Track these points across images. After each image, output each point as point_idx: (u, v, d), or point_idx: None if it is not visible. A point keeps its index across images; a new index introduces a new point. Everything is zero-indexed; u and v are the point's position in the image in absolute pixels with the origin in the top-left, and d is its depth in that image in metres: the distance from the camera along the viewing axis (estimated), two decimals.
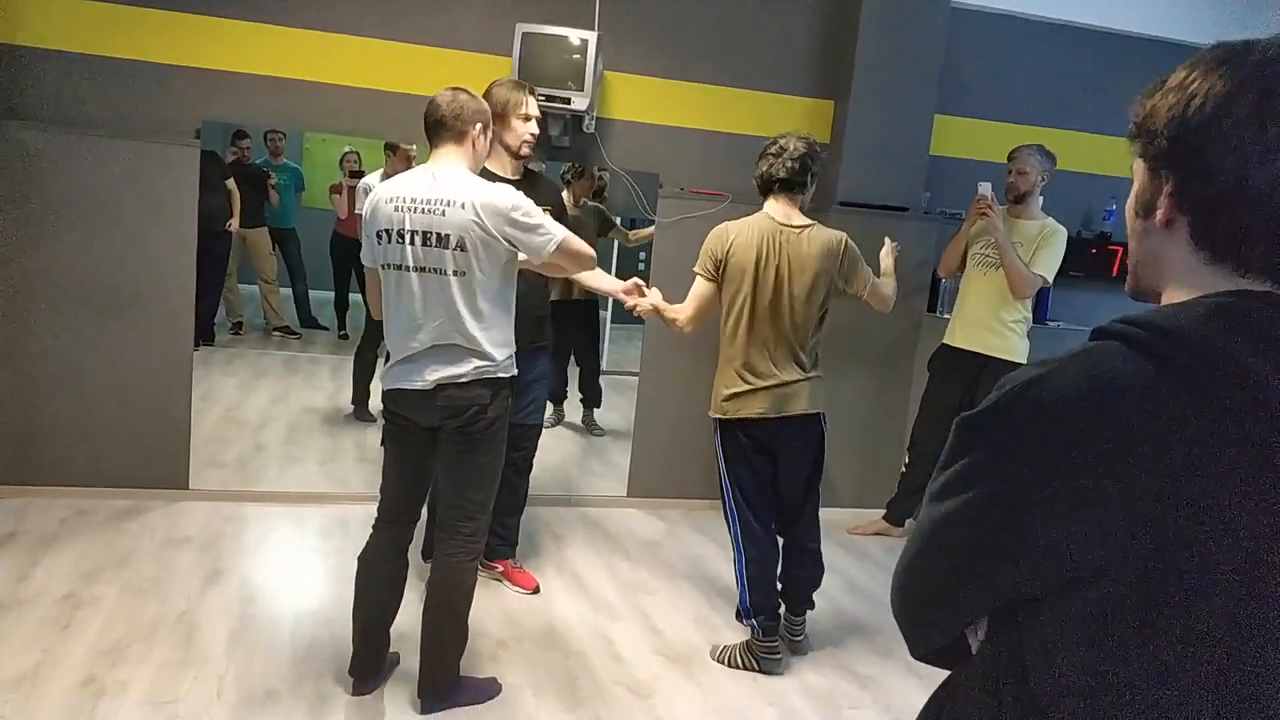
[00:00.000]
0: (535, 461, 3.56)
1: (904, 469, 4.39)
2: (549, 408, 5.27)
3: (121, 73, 3.67)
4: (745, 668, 3.03)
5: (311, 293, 7.03)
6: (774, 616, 3.03)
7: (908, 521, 4.31)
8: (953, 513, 0.86)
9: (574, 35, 3.80)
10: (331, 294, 6.75)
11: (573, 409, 5.59)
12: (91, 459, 3.82)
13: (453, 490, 2.54)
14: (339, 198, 6.21)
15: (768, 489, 3.04)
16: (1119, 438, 0.76)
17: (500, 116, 2.96)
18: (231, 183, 6.08)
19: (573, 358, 5.52)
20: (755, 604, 3.00)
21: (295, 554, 3.60)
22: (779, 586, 3.10)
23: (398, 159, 5.00)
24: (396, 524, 2.64)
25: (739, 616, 3.11)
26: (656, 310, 3.02)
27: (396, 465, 2.61)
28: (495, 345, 2.47)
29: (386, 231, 2.41)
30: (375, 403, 5.06)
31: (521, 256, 2.50)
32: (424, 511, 2.79)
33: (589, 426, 5.52)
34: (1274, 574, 0.74)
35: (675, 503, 4.46)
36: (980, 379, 3.80)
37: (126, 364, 3.81)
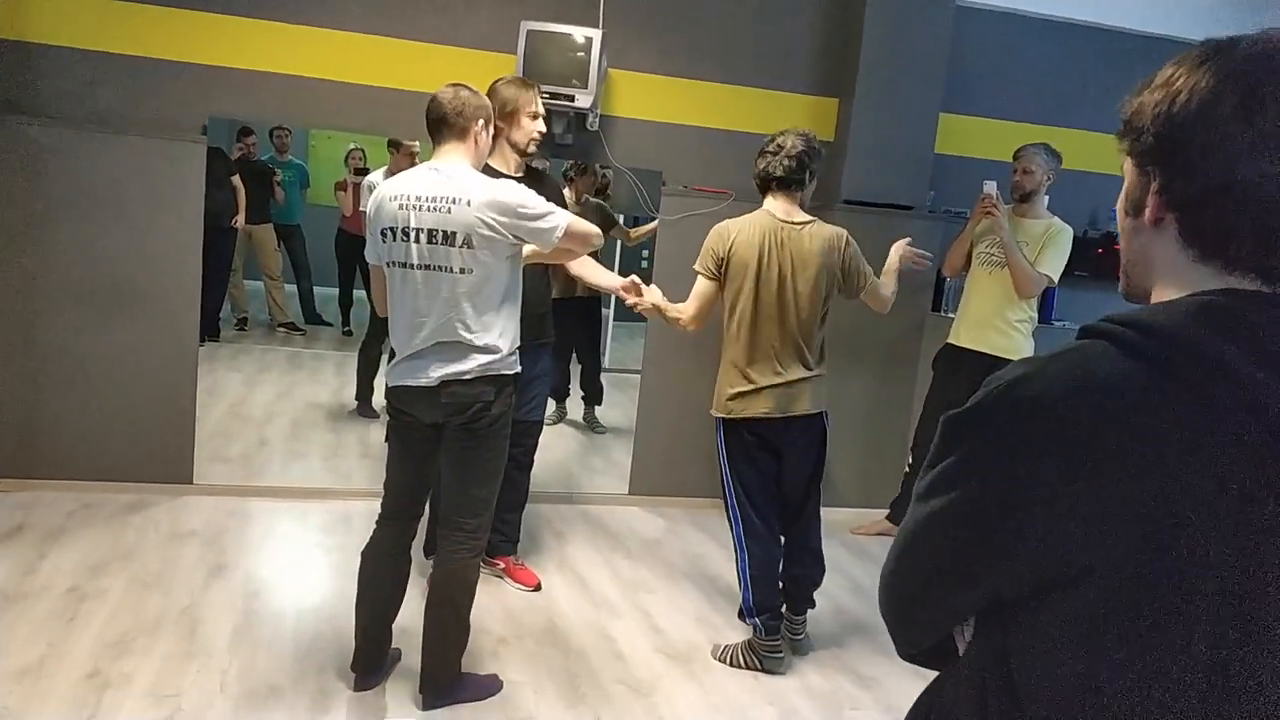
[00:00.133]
0: (537, 458, 3.57)
1: (907, 469, 4.39)
2: (551, 405, 5.29)
3: (128, 69, 3.68)
4: (747, 667, 3.03)
5: (316, 289, 7.05)
6: (777, 615, 3.03)
7: None
8: (938, 512, 0.86)
9: (578, 33, 3.80)
10: (336, 290, 6.77)
11: (574, 406, 5.60)
12: (97, 453, 3.84)
13: (456, 487, 2.55)
14: (344, 194, 6.22)
15: (771, 487, 3.04)
16: (1103, 437, 0.76)
17: (510, 115, 2.97)
18: (237, 179, 6.10)
19: (575, 355, 5.53)
20: (758, 603, 3.00)
21: (298, 549, 3.62)
22: (780, 586, 3.10)
23: (401, 156, 5.01)
24: (400, 520, 2.65)
25: (741, 615, 3.11)
26: (658, 309, 3.01)
27: (400, 461, 2.62)
28: (500, 342, 2.47)
29: (391, 229, 2.41)
30: (379, 399, 5.07)
31: (530, 247, 2.51)
32: (426, 508, 2.80)
33: (591, 424, 5.53)
34: (1262, 573, 0.74)
35: (677, 501, 4.46)
36: (985, 379, 3.79)
37: (132, 359, 3.82)
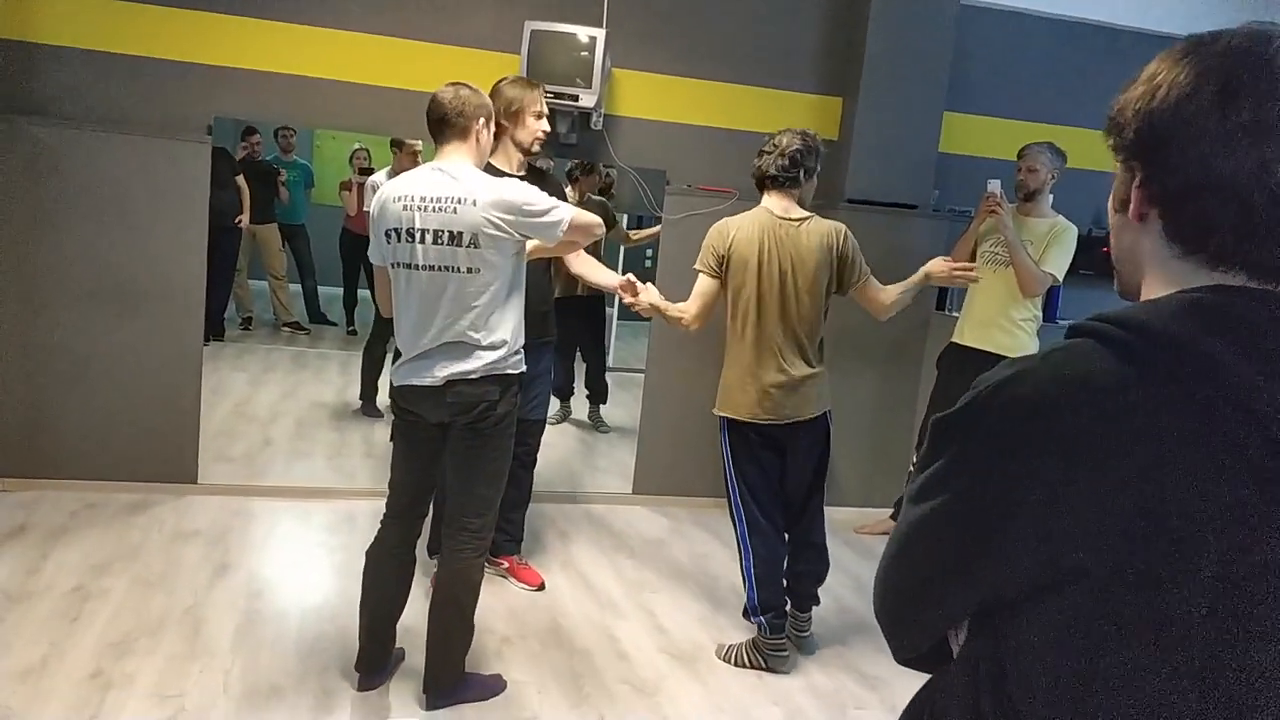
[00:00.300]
0: (541, 458, 3.56)
1: (912, 468, 4.38)
2: (555, 404, 5.29)
3: (133, 69, 3.68)
4: (752, 666, 3.03)
5: (321, 288, 7.06)
6: (781, 614, 3.02)
7: None
8: (929, 514, 0.86)
9: (582, 32, 3.80)
10: (340, 290, 6.78)
11: (578, 405, 5.60)
12: (101, 453, 3.85)
13: (461, 486, 2.55)
14: (348, 194, 6.23)
15: (775, 486, 3.04)
16: (1092, 437, 0.75)
17: (515, 114, 2.97)
18: (241, 179, 6.11)
19: (579, 354, 5.53)
20: (763, 601, 3.00)
21: (302, 549, 3.62)
22: (785, 583, 3.10)
23: (404, 155, 5.01)
24: (404, 519, 2.64)
25: (746, 614, 3.11)
26: (657, 309, 3.00)
27: (405, 461, 2.62)
28: (505, 341, 2.47)
29: (395, 230, 2.41)
30: (383, 398, 5.07)
31: (534, 242, 2.51)
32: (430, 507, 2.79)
33: (595, 423, 5.53)
34: (1254, 572, 0.73)
35: (680, 500, 4.46)
36: None
37: (136, 358, 3.83)
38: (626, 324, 6.64)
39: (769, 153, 2.93)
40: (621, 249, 5.98)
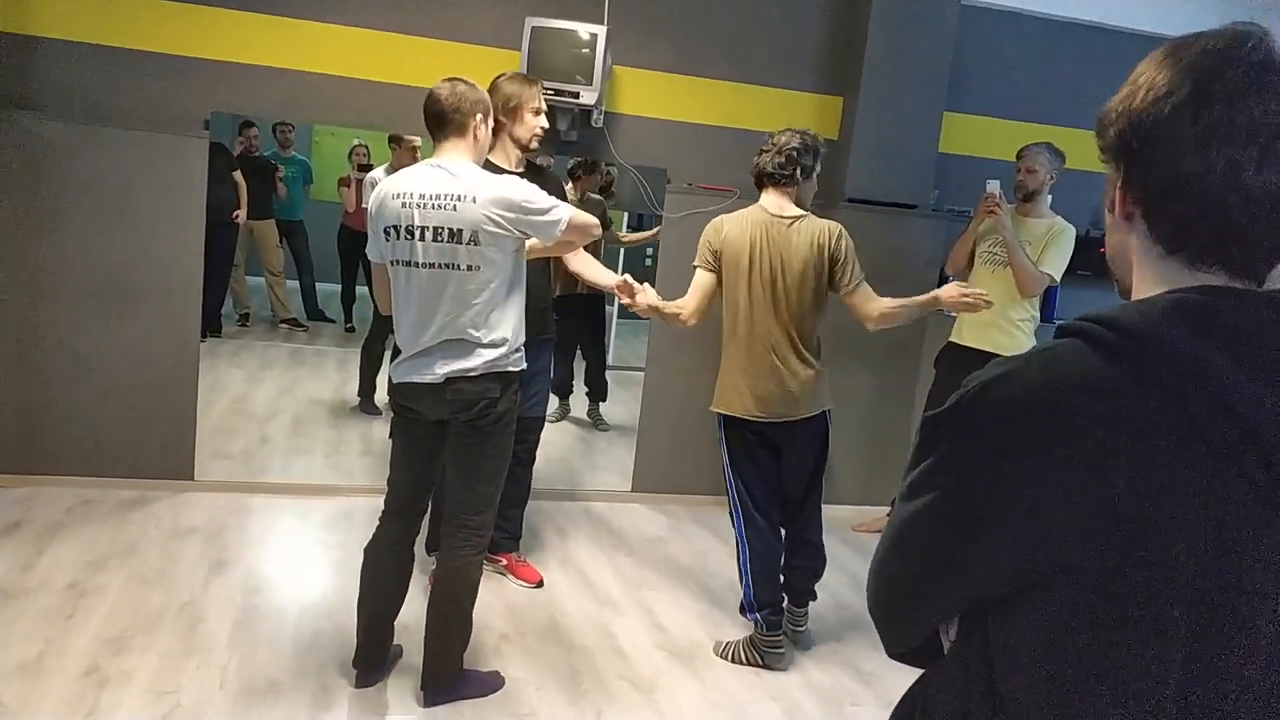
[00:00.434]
0: (540, 455, 3.56)
1: None
2: (554, 402, 5.28)
3: (131, 63, 3.67)
4: (749, 663, 3.03)
5: (319, 285, 7.04)
6: (778, 611, 3.03)
7: None
8: (918, 512, 0.87)
9: (583, 29, 3.79)
10: (339, 287, 6.76)
11: (578, 403, 5.60)
12: (98, 449, 3.83)
13: (460, 484, 2.55)
14: (347, 190, 6.21)
15: (772, 483, 3.04)
16: (1076, 436, 0.76)
17: (513, 110, 2.96)
18: (239, 174, 6.09)
19: (579, 352, 5.52)
20: (758, 597, 3.00)
21: (300, 546, 3.61)
22: (781, 579, 3.10)
23: (403, 151, 5.00)
24: (403, 516, 2.64)
25: (743, 611, 3.11)
26: (655, 309, 2.93)
27: (405, 458, 2.62)
28: (505, 338, 2.47)
29: (395, 228, 2.41)
30: (381, 396, 5.07)
31: (532, 241, 2.50)
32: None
33: (594, 421, 5.53)
34: (1237, 571, 0.74)
35: (679, 498, 4.46)
36: None
37: (134, 355, 3.82)
38: (626, 322, 6.63)
39: (767, 150, 2.95)
40: (622, 247, 5.98)
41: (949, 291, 2.89)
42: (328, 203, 6.74)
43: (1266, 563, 0.74)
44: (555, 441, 5.05)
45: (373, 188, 2.59)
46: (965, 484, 0.83)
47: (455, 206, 2.36)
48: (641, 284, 2.90)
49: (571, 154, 4.73)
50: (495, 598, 3.26)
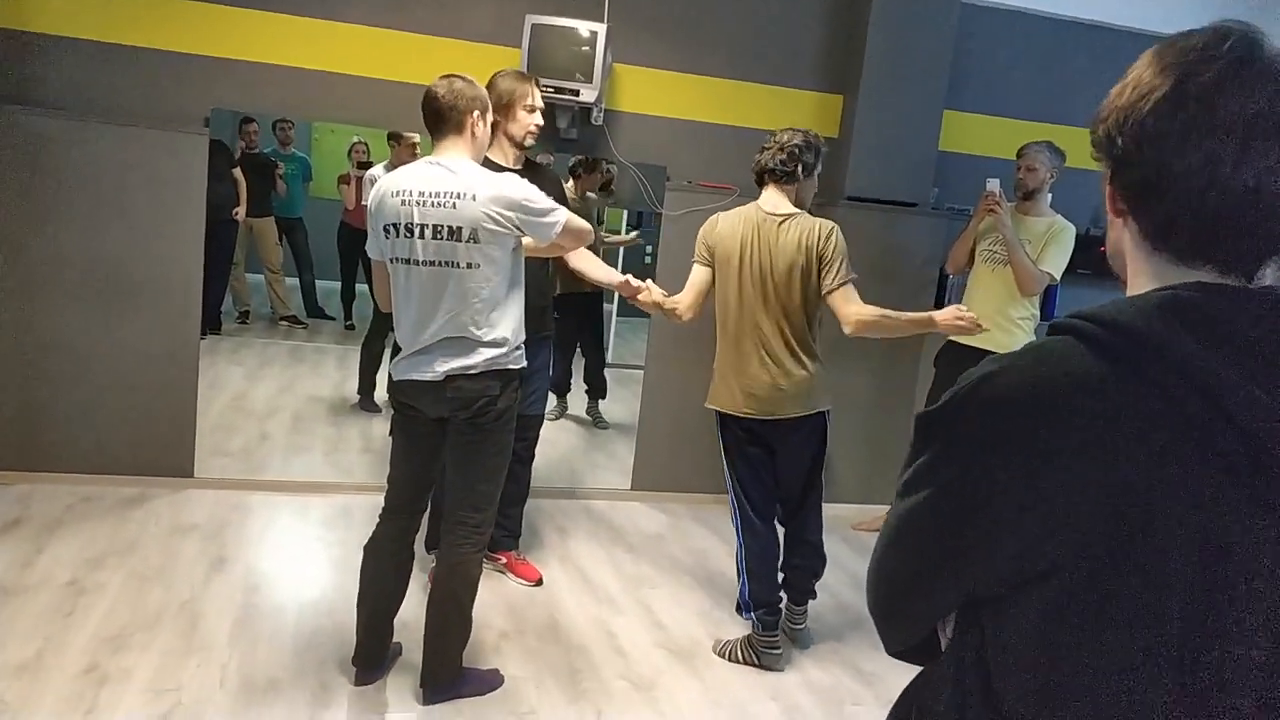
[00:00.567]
0: (540, 453, 3.56)
1: None
2: (552, 399, 5.28)
3: (131, 60, 3.66)
4: (746, 662, 3.03)
5: (318, 282, 7.04)
6: (774, 611, 3.02)
7: None
8: (913, 509, 0.88)
9: (583, 27, 3.79)
10: (338, 284, 6.76)
11: (577, 401, 5.60)
12: (98, 446, 3.83)
13: (460, 481, 2.55)
14: (347, 188, 6.21)
15: (767, 481, 3.04)
16: (1066, 433, 0.77)
17: (506, 107, 2.96)
18: (238, 171, 6.09)
19: (578, 350, 5.52)
20: (754, 596, 3.00)
21: (299, 543, 3.61)
22: (781, 577, 3.10)
23: (402, 149, 5.00)
24: (403, 514, 2.64)
25: (739, 609, 3.11)
26: (658, 305, 3.01)
27: (405, 456, 2.62)
28: (505, 336, 2.47)
29: (394, 226, 2.40)
30: (381, 393, 5.07)
31: (527, 241, 2.50)
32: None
33: (594, 419, 5.52)
34: (1228, 564, 0.74)
35: (679, 496, 4.46)
36: None
37: (134, 352, 3.81)
38: (626, 320, 6.63)
39: (769, 147, 2.95)
40: (602, 248, 5.99)
41: (944, 314, 2.86)
42: (327, 200, 6.74)
43: (1259, 561, 0.74)
44: (555, 439, 5.05)
45: (372, 185, 2.58)
46: (959, 481, 0.83)
47: (455, 204, 2.35)
48: (645, 281, 3.00)
49: (571, 152, 4.73)
50: (495, 596, 3.26)
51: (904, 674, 0.99)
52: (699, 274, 3.02)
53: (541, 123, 3.07)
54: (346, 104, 3.90)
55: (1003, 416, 0.80)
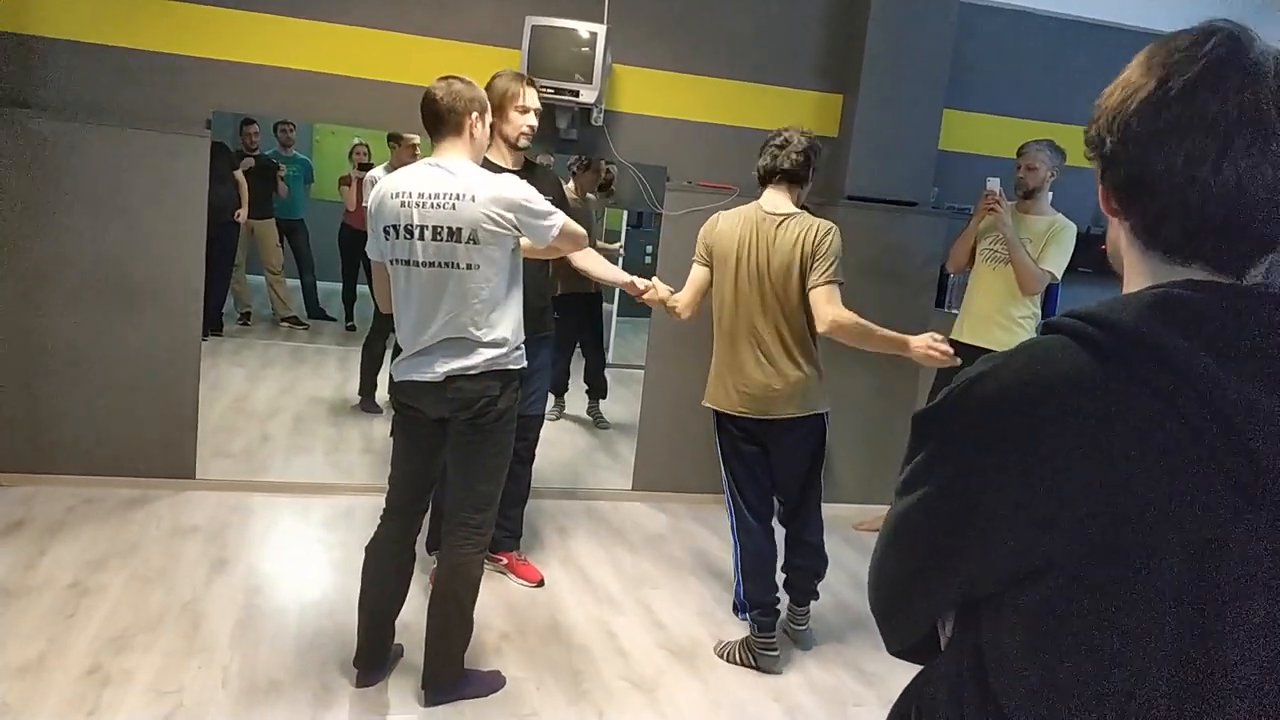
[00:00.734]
0: (540, 454, 3.56)
1: None
2: (550, 399, 5.28)
3: (133, 63, 3.67)
4: (743, 664, 3.02)
5: (320, 284, 7.05)
6: (769, 612, 3.00)
7: None
8: (910, 508, 0.88)
9: (583, 28, 3.79)
10: (339, 285, 6.77)
11: (578, 402, 5.60)
12: (100, 447, 3.84)
13: (461, 482, 2.55)
14: (348, 189, 6.22)
15: (763, 481, 3.03)
16: (1057, 432, 0.77)
17: (499, 108, 2.96)
18: (240, 173, 6.10)
19: (578, 350, 5.53)
20: (749, 596, 3.00)
21: (301, 545, 3.61)
22: (784, 577, 3.10)
23: (402, 150, 5.00)
24: (404, 515, 2.64)
25: (735, 610, 3.11)
26: (661, 302, 3.04)
27: (405, 456, 2.62)
28: (505, 337, 2.47)
29: (394, 227, 2.41)
30: (382, 394, 5.07)
31: (525, 242, 2.51)
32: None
33: (594, 419, 5.53)
34: (1222, 563, 0.74)
35: (680, 496, 4.46)
36: None
37: (135, 353, 3.82)
38: (626, 320, 6.64)
39: (780, 147, 2.90)
40: (623, 238, 5.99)
41: (919, 341, 2.77)
42: (329, 202, 6.75)
43: (1253, 558, 0.74)
44: (556, 440, 5.05)
45: (373, 186, 2.59)
46: (953, 480, 0.84)
47: (454, 205, 2.36)
48: (651, 279, 3.05)
49: (571, 152, 4.73)
50: (496, 597, 3.27)
51: (906, 675, 0.99)
52: (698, 273, 3.02)
53: (535, 124, 3.06)
54: (347, 106, 3.90)
55: (996, 415, 0.81)
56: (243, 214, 6.13)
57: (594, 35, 3.78)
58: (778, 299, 2.87)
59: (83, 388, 3.79)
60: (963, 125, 4.62)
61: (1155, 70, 0.81)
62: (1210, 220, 0.79)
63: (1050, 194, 3.84)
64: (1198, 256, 0.81)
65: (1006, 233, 3.65)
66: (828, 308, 2.79)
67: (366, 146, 6.54)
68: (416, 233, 2.38)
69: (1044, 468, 0.77)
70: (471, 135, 2.47)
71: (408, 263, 2.42)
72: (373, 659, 2.68)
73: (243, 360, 6.09)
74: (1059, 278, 3.74)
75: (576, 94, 3.79)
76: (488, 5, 3.94)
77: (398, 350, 2.58)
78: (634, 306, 3.14)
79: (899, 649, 0.99)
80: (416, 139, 4.94)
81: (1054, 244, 3.69)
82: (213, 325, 5.93)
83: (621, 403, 5.57)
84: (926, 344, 2.74)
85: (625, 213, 6.27)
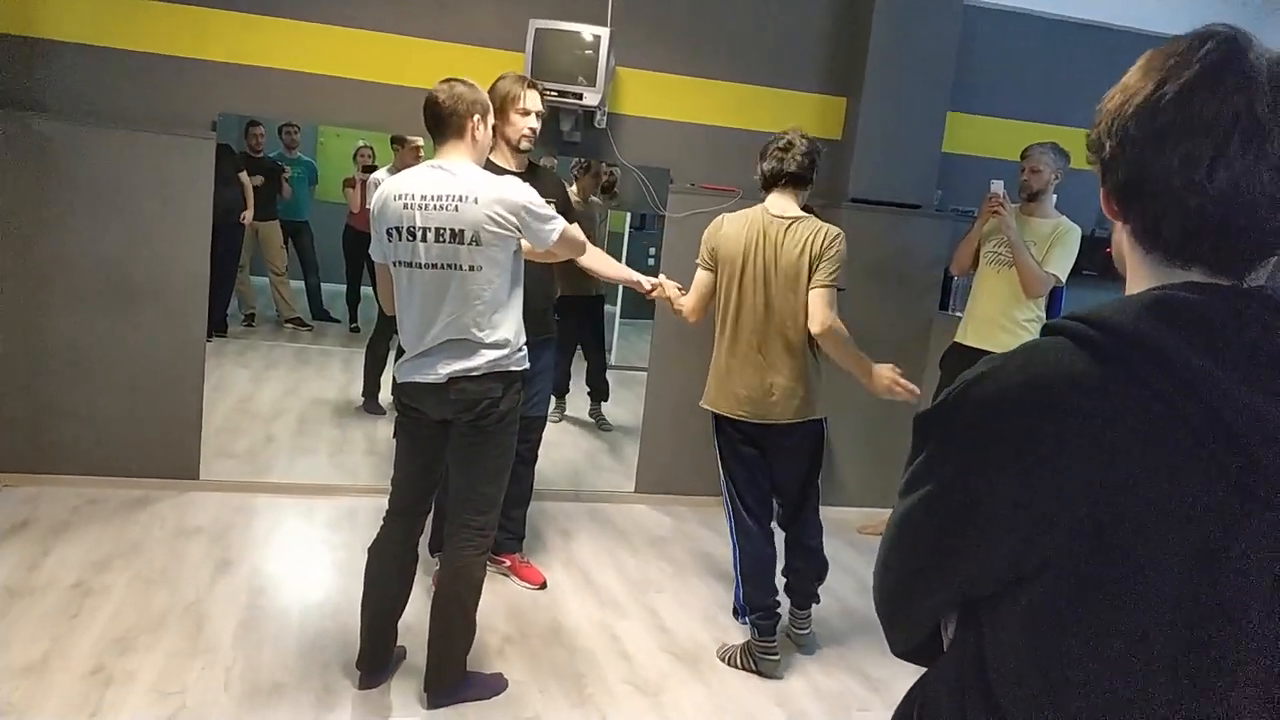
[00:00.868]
0: (543, 456, 3.57)
1: None
2: (551, 401, 5.29)
3: (139, 65, 3.68)
4: (744, 668, 3.01)
5: (324, 285, 7.06)
6: (769, 615, 2.99)
7: None
8: (912, 508, 0.89)
9: (587, 31, 3.79)
10: (343, 287, 6.79)
11: (580, 404, 5.60)
12: (104, 448, 3.85)
13: (464, 484, 2.55)
14: (352, 191, 6.24)
15: (762, 484, 3.03)
16: (1054, 433, 0.77)
17: (500, 110, 2.96)
18: (245, 175, 6.11)
19: (580, 353, 5.53)
20: (749, 599, 2.99)
21: (304, 546, 3.62)
22: (784, 581, 3.09)
23: (406, 152, 5.01)
24: (407, 516, 2.64)
25: (735, 614, 3.10)
26: (669, 300, 3.06)
27: (408, 457, 2.62)
28: (507, 338, 2.48)
29: (396, 229, 2.41)
30: (385, 395, 5.07)
31: (524, 244, 2.52)
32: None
33: (597, 421, 5.53)
34: (1222, 565, 0.74)
35: (683, 499, 4.46)
36: None
37: (140, 354, 3.83)
38: (629, 322, 6.64)
39: (784, 151, 2.89)
40: (626, 240, 6.00)
41: (881, 372, 2.82)
42: (333, 203, 6.77)
43: (1253, 559, 0.74)
44: (559, 441, 5.05)
45: (376, 188, 2.59)
46: (954, 479, 0.84)
47: (457, 207, 2.36)
48: (659, 277, 3.11)
49: (574, 154, 4.73)
50: (498, 599, 3.26)
51: (910, 679, 0.99)
52: (702, 278, 3.01)
53: (537, 126, 3.06)
54: (351, 108, 3.91)
55: (995, 416, 0.81)
56: (248, 216, 6.14)
57: (597, 38, 3.78)
58: (783, 302, 2.87)
59: (87, 388, 3.80)
60: (966, 128, 4.62)
61: (1153, 74, 0.81)
62: (1208, 223, 0.79)
63: (1054, 197, 3.84)
64: (1198, 259, 0.82)
65: (1011, 235, 3.65)
66: (826, 311, 2.81)
67: (371, 149, 6.56)
68: (419, 235, 2.38)
69: (1043, 468, 0.77)
70: (473, 137, 2.47)
71: (410, 264, 2.42)
72: (375, 661, 2.68)
73: (247, 361, 6.09)
74: (1064, 280, 3.73)
75: (580, 97, 3.80)
76: (492, 8, 3.95)
77: (401, 352, 2.58)
78: (637, 308, 3.14)
79: (903, 650, 1.00)
80: (420, 141, 4.95)
81: (1059, 246, 3.68)
82: (217, 326, 5.94)
83: (624, 404, 5.57)
84: (890, 381, 2.79)
85: (628, 215, 6.28)
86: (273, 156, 6.68)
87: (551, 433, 3.64)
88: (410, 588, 2.69)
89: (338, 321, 7.09)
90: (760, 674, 2.99)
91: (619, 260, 5.79)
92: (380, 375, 5.11)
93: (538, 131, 3.07)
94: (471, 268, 2.39)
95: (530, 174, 3.10)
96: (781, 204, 2.92)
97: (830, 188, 4.30)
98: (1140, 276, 0.86)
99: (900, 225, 4.38)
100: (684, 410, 4.33)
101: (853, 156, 4.30)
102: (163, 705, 2.47)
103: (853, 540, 4.20)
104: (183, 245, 3.80)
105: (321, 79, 3.84)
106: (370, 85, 3.88)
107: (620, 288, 5.26)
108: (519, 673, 2.84)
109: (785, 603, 3.12)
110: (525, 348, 2.56)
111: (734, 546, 3.04)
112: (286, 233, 6.81)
